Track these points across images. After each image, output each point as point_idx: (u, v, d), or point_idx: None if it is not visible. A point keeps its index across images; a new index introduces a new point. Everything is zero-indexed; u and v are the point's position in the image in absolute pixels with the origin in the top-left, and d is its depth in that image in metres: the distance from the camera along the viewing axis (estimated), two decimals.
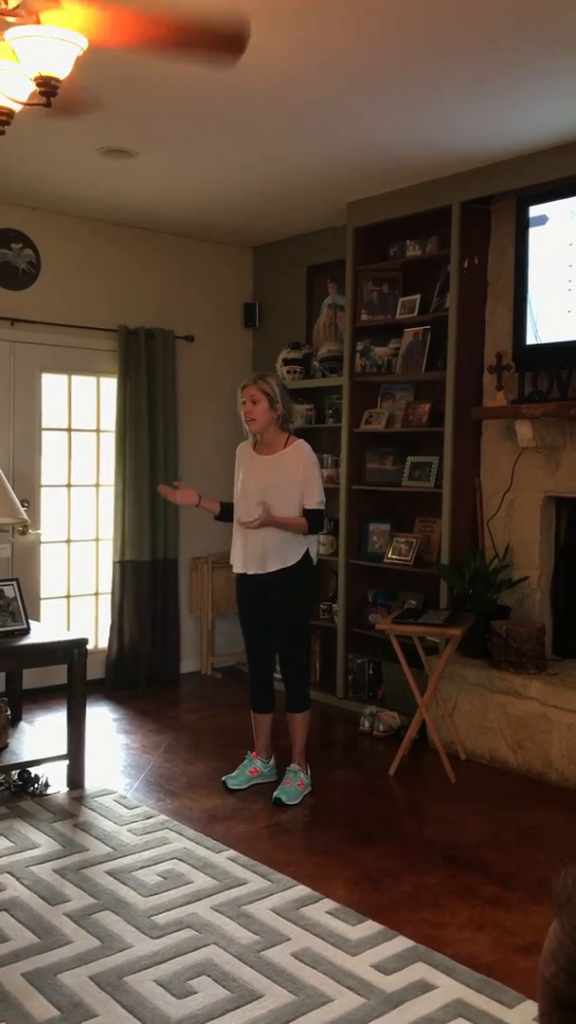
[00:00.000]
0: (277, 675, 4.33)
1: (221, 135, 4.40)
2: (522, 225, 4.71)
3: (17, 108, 2.93)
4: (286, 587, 4.12)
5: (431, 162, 4.78)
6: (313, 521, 4.10)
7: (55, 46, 2.64)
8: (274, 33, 3.27)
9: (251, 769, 4.31)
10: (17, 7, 2.56)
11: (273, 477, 4.12)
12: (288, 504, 4.07)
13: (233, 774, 4.29)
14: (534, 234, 4.65)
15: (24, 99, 2.86)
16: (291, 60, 3.52)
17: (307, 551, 4.13)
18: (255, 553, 4.12)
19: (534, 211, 4.64)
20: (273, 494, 4.08)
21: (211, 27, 2.87)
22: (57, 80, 2.70)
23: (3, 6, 2.55)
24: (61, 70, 2.70)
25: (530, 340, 4.69)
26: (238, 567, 4.22)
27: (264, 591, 4.16)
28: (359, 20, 3.18)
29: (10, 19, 2.59)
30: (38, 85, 2.70)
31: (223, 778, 4.29)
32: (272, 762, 4.36)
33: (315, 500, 4.10)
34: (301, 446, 4.17)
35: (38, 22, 2.61)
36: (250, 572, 4.15)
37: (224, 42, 3.00)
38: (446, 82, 3.74)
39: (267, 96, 3.89)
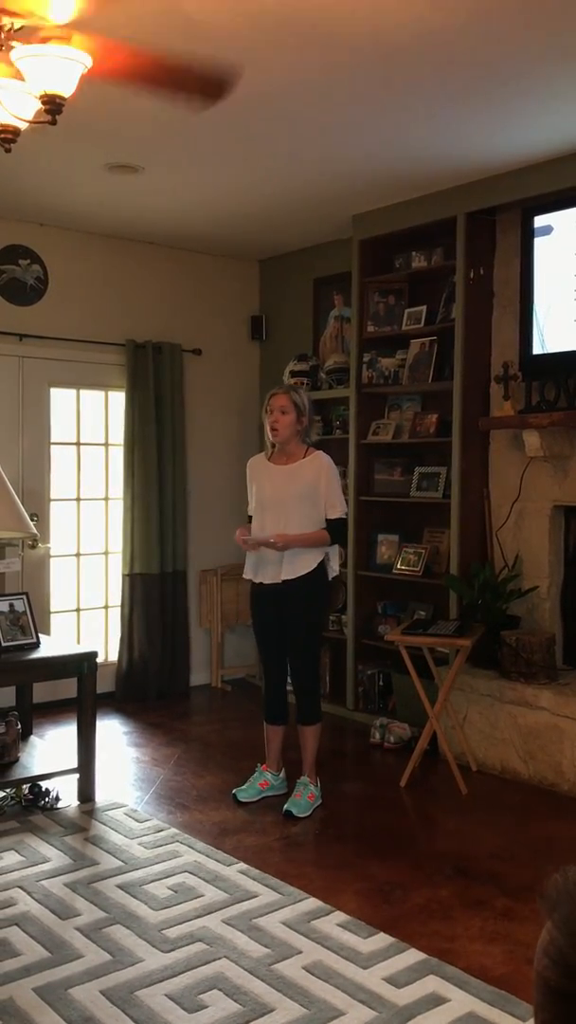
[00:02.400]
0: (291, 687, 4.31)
1: (226, 150, 4.43)
2: (527, 235, 4.72)
3: (23, 126, 2.95)
4: (300, 597, 4.10)
5: (435, 174, 4.80)
6: (336, 532, 4.10)
7: (59, 64, 2.66)
8: (278, 50, 3.29)
9: (261, 782, 4.29)
10: (21, 29, 2.59)
11: (292, 486, 4.09)
12: (309, 514, 4.05)
13: (243, 787, 4.28)
14: (539, 244, 4.66)
15: (29, 117, 2.88)
16: (295, 75, 3.54)
17: (322, 561, 4.11)
18: (270, 563, 4.11)
19: (539, 221, 4.66)
20: (292, 504, 4.06)
21: (196, 70, 2.90)
22: (62, 98, 2.73)
23: (9, 28, 2.58)
24: (66, 88, 2.72)
25: (537, 350, 4.70)
26: (253, 578, 4.20)
27: (278, 601, 4.14)
28: (361, 35, 3.20)
29: (14, 43, 2.62)
30: (43, 103, 2.72)
31: (233, 791, 4.28)
32: (282, 775, 4.34)
33: (339, 510, 4.09)
34: (321, 456, 4.16)
35: (43, 41, 2.64)
36: (266, 582, 4.13)
37: (206, 86, 3.03)
38: (449, 94, 3.76)
39: (271, 111, 3.92)
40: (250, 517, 4.30)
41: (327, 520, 4.08)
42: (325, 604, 4.31)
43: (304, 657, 4.20)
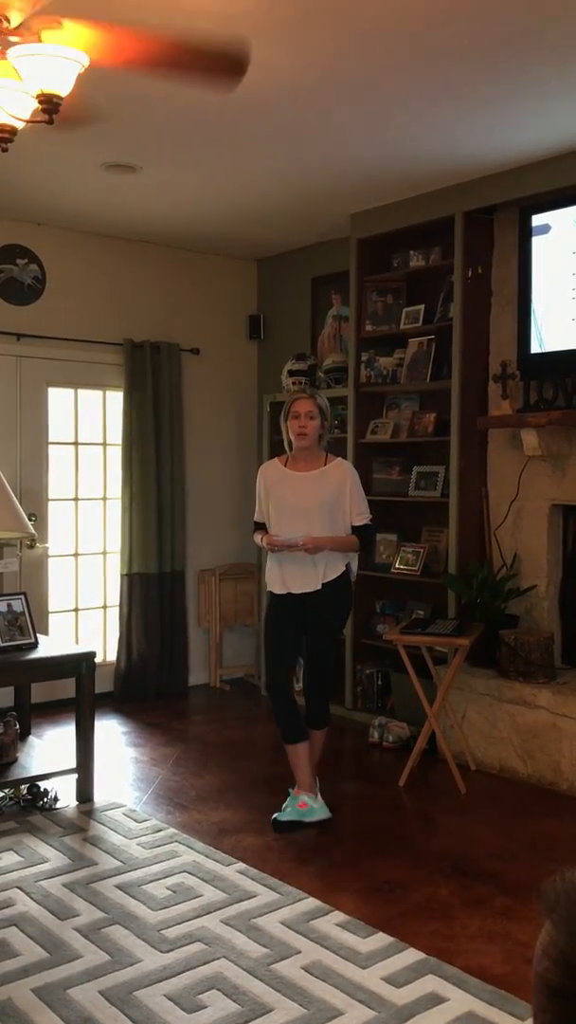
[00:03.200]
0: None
1: (223, 149, 4.42)
2: (525, 234, 4.72)
3: (20, 125, 2.95)
4: (325, 602, 4.01)
5: (433, 173, 4.79)
6: (365, 537, 4.07)
7: (57, 64, 2.66)
8: (275, 48, 3.29)
9: (300, 803, 4.00)
10: (19, 27, 2.58)
11: (317, 494, 4.01)
12: (335, 521, 3.99)
13: (282, 811, 4.02)
14: (537, 243, 4.66)
15: (26, 116, 2.88)
16: (293, 74, 3.54)
17: (348, 566, 4.06)
18: (298, 572, 3.99)
19: (537, 220, 4.65)
20: (316, 512, 3.98)
21: (210, 50, 2.88)
22: (59, 97, 2.73)
23: (5, 25, 2.58)
24: (63, 87, 2.72)
25: (535, 348, 4.69)
26: (278, 589, 4.06)
27: (301, 608, 4.03)
28: (360, 34, 3.19)
29: (12, 38, 2.62)
30: (40, 102, 2.72)
31: (274, 816, 4.00)
32: (320, 799, 4.03)
33: (365, 517, 4.05)
34: (344, 463, 4.12)
35: (39, 40, 2.63)
36: (295, 591, 4.00)
37: (223, 65, 3.00)
38: (447, 93, 3.76)
39: (269, 110, 3.91)
40: (256, 524, 4.22)
41: (354, 527, 4.02)
42: (349, 609, 4.24)
43: (324, 661, 4.13)
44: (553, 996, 0.79)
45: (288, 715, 4.06)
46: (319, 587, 3.98)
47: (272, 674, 4.13)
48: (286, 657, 4.11)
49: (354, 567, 4.14)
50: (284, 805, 4.01)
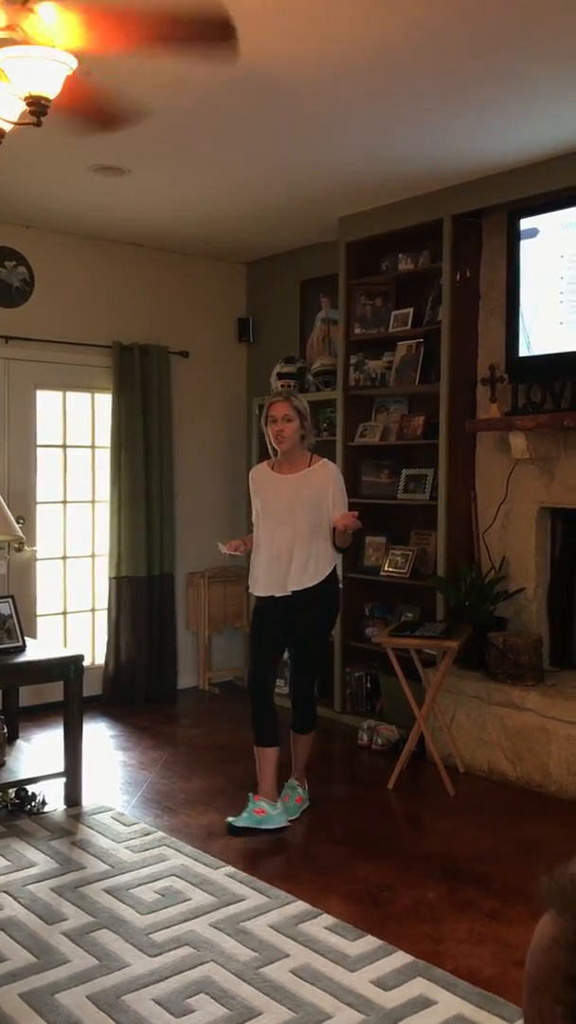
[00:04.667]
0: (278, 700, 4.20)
1: (212, 152, 4.42)
2: (513, 238, 4.73)
3: (7, 128, 2.94)
4: (310, 606, 4.02)
5: (422, 176, 4.80)
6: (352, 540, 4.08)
7: (44, 66, 2.66)
8: (263, 51, 3.29)
9: (256, 809, 3.96)
10: (6, 27, 2.58)
11: (301, 495, 4.01)
12: (319, 522, 3.99)
13: (241, 816, 3.98)
14: (525, 247, 4.67)
15: (14, 119, 2.87)
16: (281, 78, 3.54)
17: (334, 570, 4.05)
18: (280, 576, 4.01)
19: (525, 224, 4.67)
20: (300, 512, 3.98)
21: (194, 16, 2.85)
22: (47, 99, 2.72)
23: None
24: (51, 89, 2.71)
25: (523, 352, 4.71)
26: (260, 591, 4.08)
27: (287, 611, 4.03)
28: (348, 38, 3.20)
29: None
30: (28, 105, 2.72)
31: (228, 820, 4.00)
32: (280, 806, 4.01)
33: None
34: (328, 465, 4.11)
35: (27, 41, 2.63)
36: (278, 594, 4.02)
37: (213, 30, 2.97)
38: (435, 97, 3.77)
39: (257, 113, 3.92)
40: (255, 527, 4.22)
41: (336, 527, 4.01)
42: (334, 614, 4.24)
43: (308, 666, 4.15)
44: (571, 984, 0.80)
45: (263, 718, 4.06)
46: (287, 592, 3.99)
47: (251, 675, 4.14)
48: (267, 659, 4.11)
49: (339, 572, 4.13)
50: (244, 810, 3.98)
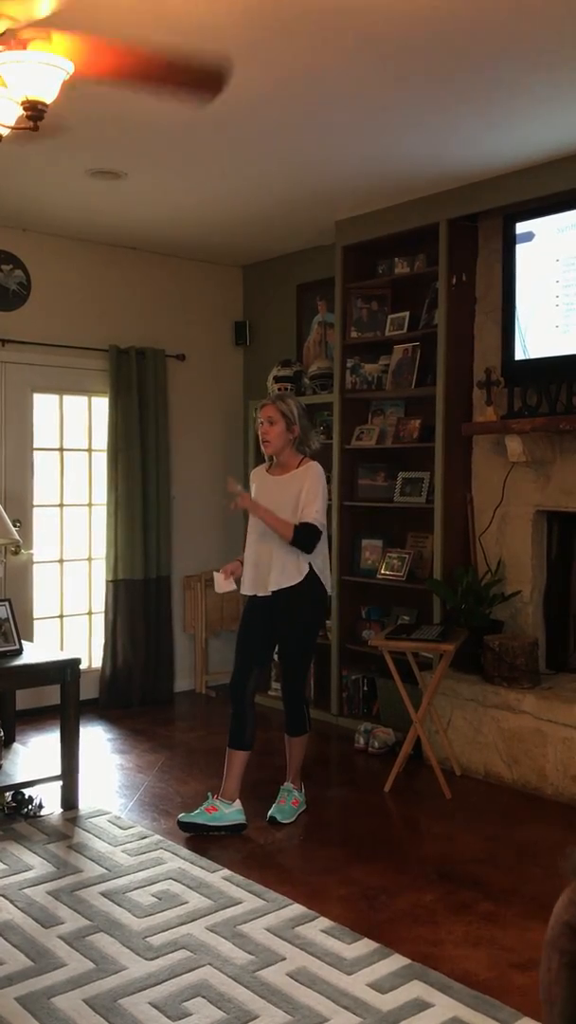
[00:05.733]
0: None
1: (208, 156, 4.43)
2: (509, 242, 4.74)
3: (4, 132, 2.95)
4: (293, 608, 4.05)
5: (418, 180, 4.82)
6: (300, 533, 3.93)
7: (42, 71, 2.67)
8: (259, 55, 3.30)
9: (209, 807, 3.98)
10: (3, 33, 2.59)
11: (284, 497, 4.04)
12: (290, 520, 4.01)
13: (193, 812, 4.01)
14: (521, 250, 4.69)
15: (11, 123, 2.88)
16: (278, 83, 3.55)
17: (312, 572, 4.04)
18: (262, 576, 4.06)
19: (521, 228, 4.68)
20: (282, 513, 4.00)
21: (190, 65, 2.91)
22: (44, 104, 2.73)
23: None
24: (48, 94, 2.72)
25: (519, 355, 4.72)
26: (246, 590, 4.14)
27: (271, 612, 4.07)
28: (344, 42, 3.21)
29: None
30: (25, 109, 2.73)
31: (181, 817, 3.99)
32: (238, 804, 4.01)
33: (311, 516, 3.96)
34: (312, 466, 4.10)
35: (25, 48, 2.64)
36: (259, 594, 4.07)
37: (202, 81, 3.03)
38: (431, 102, 3.78)
39: (254, 117, 3.93)
40: None
41: (299, 522, 3.98)
42: (317, 617, 4.25)
43: (294, 668, 4.17)
44: (573, 933, 0.83)
45: (237, 720, 4.09)
46: (267, 591, 4.03)
47: (232, 677, 4.18)
48: (249, 660, 4.13)
49: (325, 579, 4.10)
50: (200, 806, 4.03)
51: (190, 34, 3.08)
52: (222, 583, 4.15)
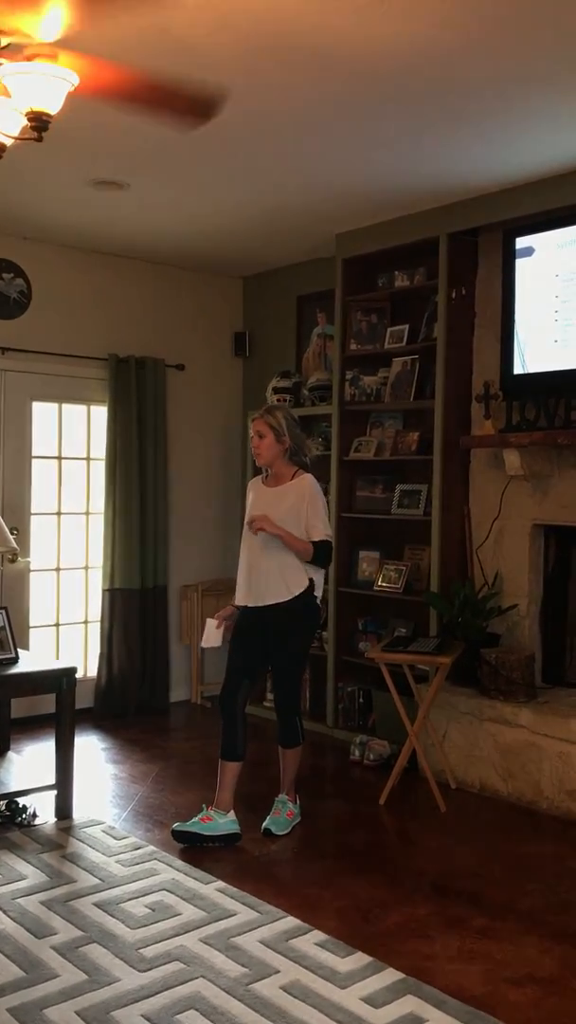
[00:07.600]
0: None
1: (211, 168, 4.45)
2: (509, 256, 4.76)
3: (8, 142, 2.96)
4: (286, 621, 4.05)
5: (418, 194, 4.84)
6: (319, 552, 4.01)
7: (46, 82, 2.68)
8: (261, 80, 3.33)
9: (203, 817, 3.99)
10: (7, 47, 2.60)
11: (276, 509, 4.04)
12: (296, 534, 4.01)
13: (188, 822, 4.00)
14: (521, 265, 4.71)
15: (16, 134, 2.90)
16: (281, 97, 3.57)
17: (310, 586, 4.06)
18: (255, 587, 4.08)
19: (521, 243, 4.70)
20: (277, 523, 4.00)
21: (185, 92, 2.94)
22: (48, 115, 2.74)
23: None
24: (52, 105, 2.74)
25: (518, 369, 4.73)
26: (239, 601, 4.16)
27: (264, 625, 4.08)
28: (343, 58, 3.23)
29: (1, 60, 2.64)
30: (29, 120, 2.74)
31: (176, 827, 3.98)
32: (232, 815, 4.02)
33: (321, 532, 4.02)
34: (306, 479, 4.11)
35: (29, 59, 2.65)
36: (251, 605, 4.09)
37: (195, 108, 3.07)
38: (432, 117, 3.80)
39: (256, 131, 3.95)
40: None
41: (311, 542, 4.02)
42: (310, 630, 4.26)
43: (287, 681, 4.16)
44: None
45: (228, 730, 4.09)
46: (264, 603, 4.04)
47: (223, 688, 4.18)
48: (240, 671, 4.14)
49: (319, 591, 4.13)
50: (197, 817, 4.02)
51: (193, 60, 3.13)
52: (212, 633, 4.15)
